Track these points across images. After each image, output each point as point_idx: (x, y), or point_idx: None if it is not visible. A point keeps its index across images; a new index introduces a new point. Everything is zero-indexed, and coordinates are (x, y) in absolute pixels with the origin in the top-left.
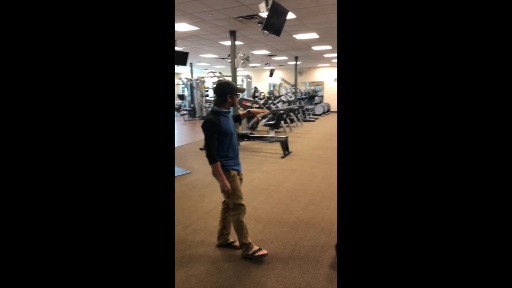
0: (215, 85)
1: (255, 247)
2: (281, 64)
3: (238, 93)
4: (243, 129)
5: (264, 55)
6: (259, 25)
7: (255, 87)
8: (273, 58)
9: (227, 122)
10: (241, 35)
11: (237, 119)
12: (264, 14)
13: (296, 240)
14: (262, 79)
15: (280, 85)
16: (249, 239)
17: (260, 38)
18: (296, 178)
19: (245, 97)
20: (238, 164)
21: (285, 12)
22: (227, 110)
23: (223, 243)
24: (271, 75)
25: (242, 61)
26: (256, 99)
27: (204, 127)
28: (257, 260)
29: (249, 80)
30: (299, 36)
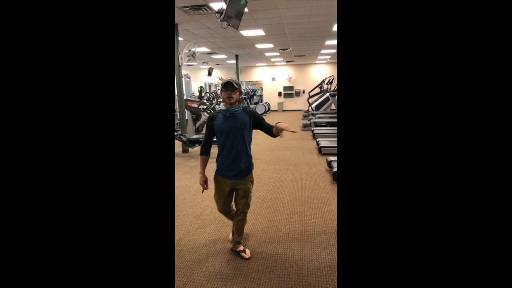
0: None
1: (242, 247)
2: (218, 63)
3: (223, 87)
4: (191, 134)
5: (203, 53)
6: (217, 15)
7: (201, 87)
8: (212, 56)
9: (224, 122)
10: (183, 29)
11: (269, 131)
12: (214, 4)
13: (298, 264)
14: (199, 78)
15: (217, 85)
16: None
17: (203, 33)
18: (266, 185)
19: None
20: (229, 169)
21: (245, 3)
22: (228, 109)
23: (233, 249)
24: (209, 74)
25: (188, 57)
26: (203, 99)
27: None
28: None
29: (188, 79)
30: (246, 33)
